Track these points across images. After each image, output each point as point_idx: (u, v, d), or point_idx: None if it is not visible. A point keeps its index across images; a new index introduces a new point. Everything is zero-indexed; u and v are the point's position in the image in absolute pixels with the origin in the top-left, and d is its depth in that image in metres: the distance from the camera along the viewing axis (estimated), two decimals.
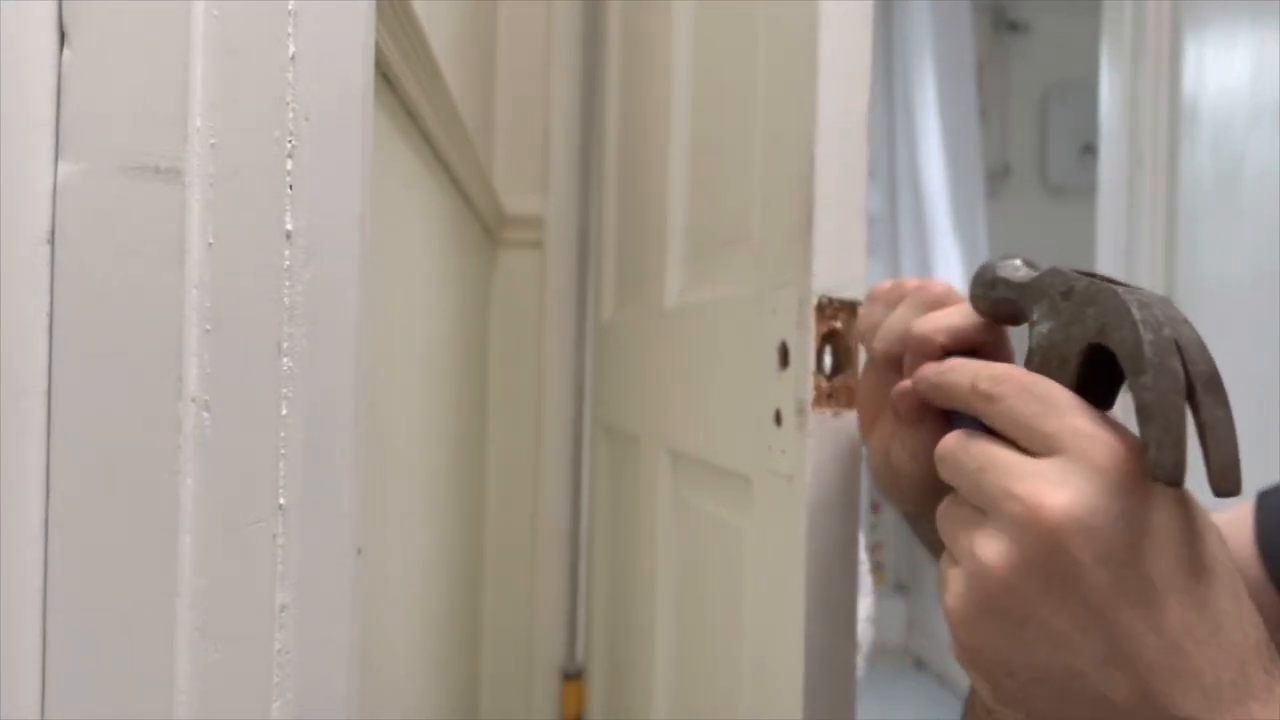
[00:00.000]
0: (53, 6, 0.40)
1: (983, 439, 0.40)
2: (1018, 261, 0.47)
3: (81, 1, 0.40)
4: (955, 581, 0.39)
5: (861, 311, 0.57)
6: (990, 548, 0.38)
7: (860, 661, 1.16)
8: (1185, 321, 0.39)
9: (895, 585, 3.68)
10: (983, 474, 0.39)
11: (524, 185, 1.66)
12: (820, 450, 0.59)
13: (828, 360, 0.60)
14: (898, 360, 0.52)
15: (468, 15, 1.28)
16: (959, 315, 0.50)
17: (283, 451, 0.42)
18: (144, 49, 0.40)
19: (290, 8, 0.42)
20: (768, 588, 0.66)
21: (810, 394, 0.59)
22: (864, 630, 1.19)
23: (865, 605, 1.22)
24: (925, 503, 0.53)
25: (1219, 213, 1.70)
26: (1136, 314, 0.38)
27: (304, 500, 0.42)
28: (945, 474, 0.42)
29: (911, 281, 0.54)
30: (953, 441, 0.42)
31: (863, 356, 0.60)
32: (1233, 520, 0.62)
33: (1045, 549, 0.36)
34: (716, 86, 0.88)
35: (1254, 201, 1.59)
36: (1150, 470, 0.36)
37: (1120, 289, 0.39)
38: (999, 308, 0.47)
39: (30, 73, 0.40)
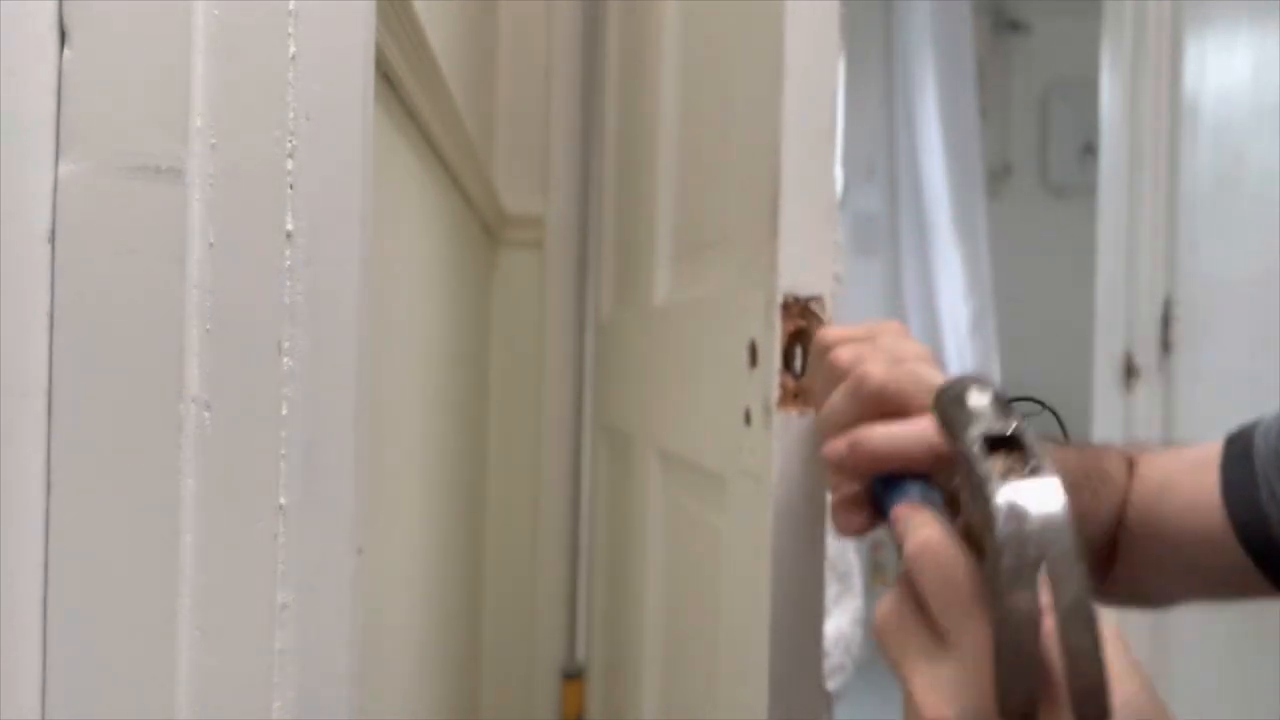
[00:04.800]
0: (53, 6, 0.40)
1: (902, 627, 0.41)
2: (966, 392, 0.45)
3: (81, 1, 0.40)
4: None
5: (810, 362, 0.58)
6: None
7: (849, 663, 1.16)
8: (1062, 528, 0.37)
9: None
10: (899, 665, 0.41)
11: (524, 185, 1.66)
12: (786, 450, 0.59)
13: (798, 360, 0.60)
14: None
15: (468, 15, 1.28)
16: (910, 440, 0.49)
17: (283, 451, 0.42)
18: (144, 49, 0.40)
19: (290, 8, 0.42)
20: (740, 587, 0.66)
21: (775, 394, 0.59)
22: (853, 633, 1.19)
23: (855, 607, 1.21)
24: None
25: (1219, 213, 1.70)
26: (999, 531, 0.37)
27: (304, 500, 0.42)
28: (878, 645, 0.43)
29: (843, 357, 0.53)
30: (880, 620, 0.43)
31: None
32: (1201, 461, 0.62)
33: None
34: (700, 87, 0.89)
35: (1254, 201, 1.59)
36: (998, 708, 0.36)
37: (999, 488, 0.38)
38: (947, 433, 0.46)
39: (30, 73, 0.40)
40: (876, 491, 0.51)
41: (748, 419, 0.63)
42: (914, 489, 0.49)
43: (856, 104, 3.45)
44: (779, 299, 0.59)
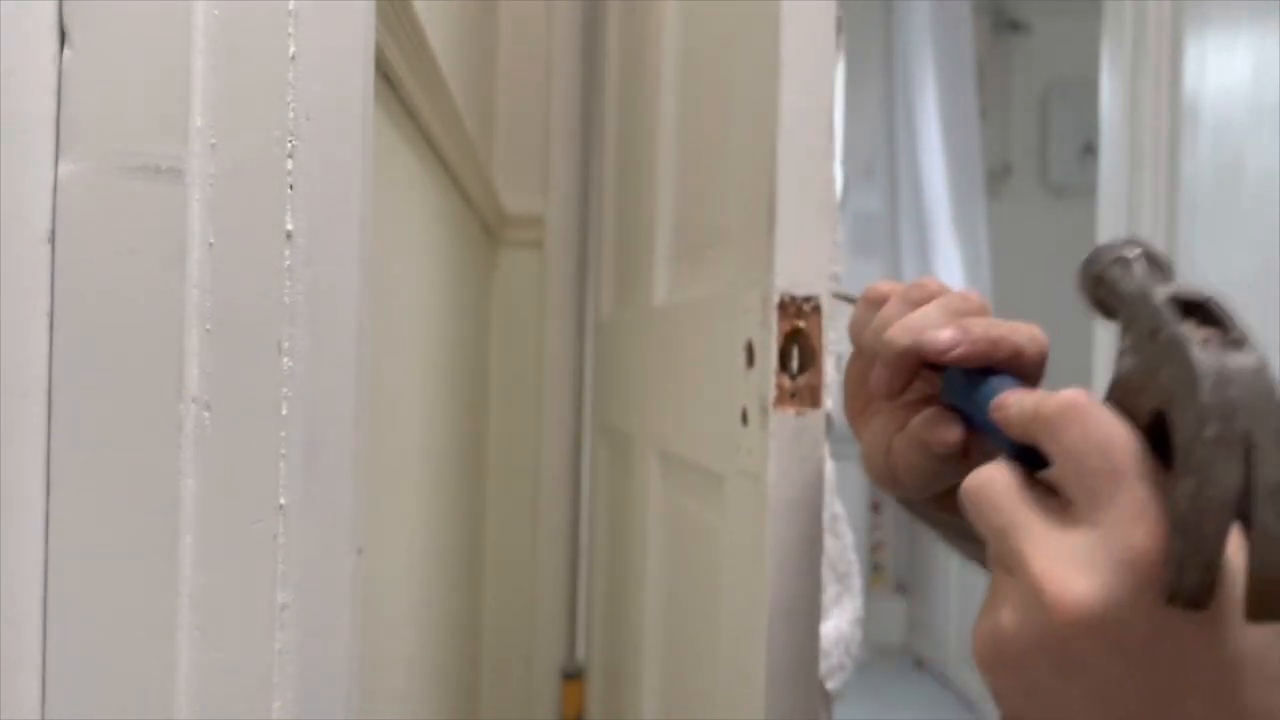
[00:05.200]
0: (53, 6, 0.40)
1: (1013, 488, 0.38)
2: (1137, 257, 0.41)
3: (81, 1, 0.40)
4: (982, 618, 0.37)
5: (856, 310, 0.57)
6: (1007, 615, 0.36)
7: (849, 663, 1.15)
8: (1275, 402, 0.33)
9: (895, 585, 3.68)
10: (1005, 535, 0.37)
11: (524, 185, 1.66)
12: (782, 450, 0.59)
13: (795, 360, 0.60)
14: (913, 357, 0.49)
15: (468, 15, 1.28)
16: (1020, 334, 0.46)
17: (283, 451, 0.42)
18: (144, 49, 0.40)
19: (290, 8, 0.42)
20: (738, 587, 0.66)
21: (772, 393, 0.59)
22: (853, 633, 1.18)
23: (854, 607, 1.21)
24: (930, 493, 0.52)
25: (1219, 212, 1.70)
26: (1206, 398, 0.33)
27: (304, 500, 0.42)
28: (971, 516, 0.39)
29: (929, 284, 0.50)
30: (979, 483, 0.39)
31: (828, 351, 0.60)
32: None
33: (1058, 636, 0.34)
34: (699, 86, 0.89)
35: (1254, 201, 1.59)
36: (1167, 590, 0.32)
37: (1201, 351, 0.34)
38: (1102, 307, 0.42)
39: (30, 72, 0.40)
40: (953, 397, 0.48)
41: (745, 419, 0.63)
42: (1009, 382, 0.45)
43: (856, 104, 3.45)
44: (775, 299, 0.59)
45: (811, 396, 0.60)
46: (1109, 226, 1.96)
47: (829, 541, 1.15)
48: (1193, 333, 0.35)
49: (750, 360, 0.63)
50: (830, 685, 1.10)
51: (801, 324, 0.59)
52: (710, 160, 0.82)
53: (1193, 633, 0.34)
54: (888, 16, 3.59)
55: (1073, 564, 0.34)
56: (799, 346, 0.60)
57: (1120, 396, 0.37)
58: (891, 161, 3.64)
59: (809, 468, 0.60)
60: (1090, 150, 3.16)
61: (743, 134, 0.69)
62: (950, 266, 3.38)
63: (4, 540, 0.39)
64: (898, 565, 3.67)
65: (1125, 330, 0.38)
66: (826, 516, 0.61)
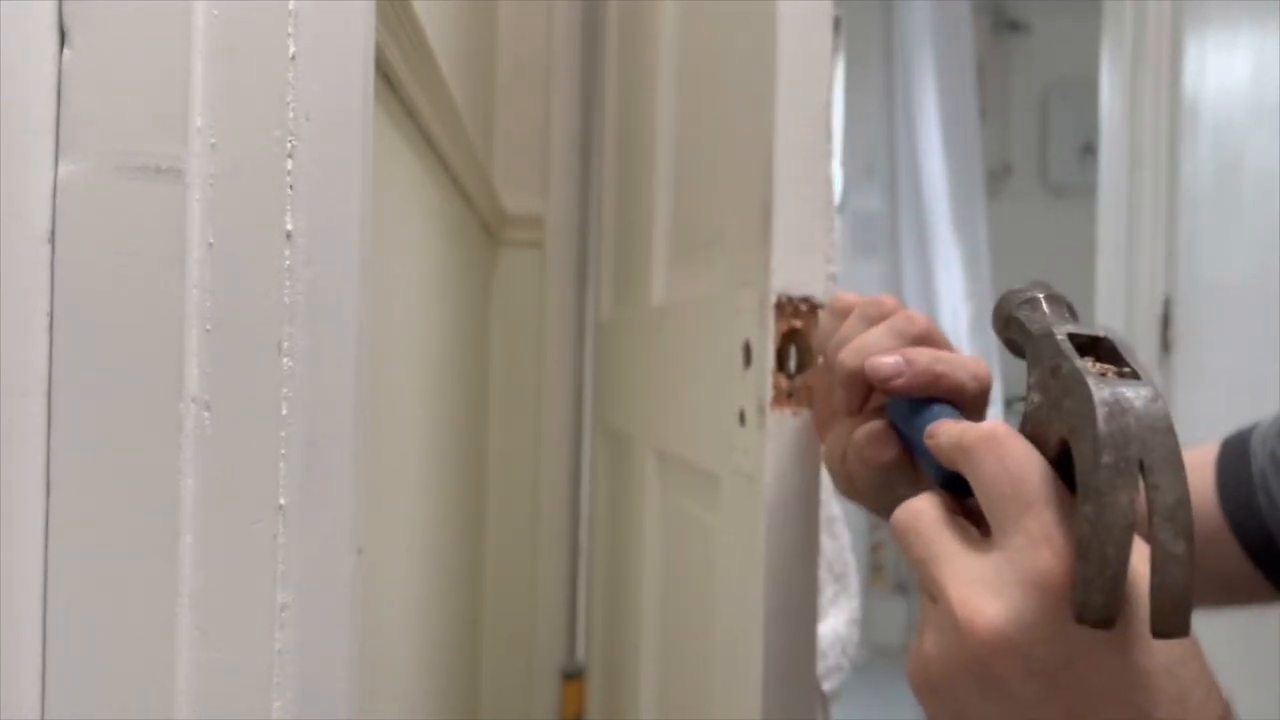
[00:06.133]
0: (53, 6, 0.40)
1: (936, 519, 0.40)
2: (1041, 299, 0.44)
3: (81, 1, 0.40)
4: (913, 647, 0.40)
5: (822, 320, 0.57)
6: (930, 640, 0.38)
7: (846, 664, 1.15)
8: (1166, 430, 0.35)
9: (895, 585, 3.68)
10: (926, 565, 0.39)
11: (524, 185, 1.66)
12: (779, 450, 0.59)
13: (793, 360, 0.60)
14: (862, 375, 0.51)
15: (468, 15, 1.28)
16: (960, 368, 0.48)
17: (283, 451, 0.42)
18: (144, 49, 0.40)
19: (290, 8, 0.42)
20: (734, 587, 0.67)
21: (769, 393, 0.59)
22: (850, 633, 1.18)
23: (851, 608, 1.21)
24: (882, 505, 0.53)
25: (1219, 213, 1.70)
26: (1101, 426, 0.35)
27: (304, 500, 0.42)
28: (900, 546, 0.41)
29: (885, 301, 0.53)
30: (906, 516, 0.41)
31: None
32: (1195, 464, 0.62)
33: (975, 659, 0.36)
34: (697, 86, 0.89)
35: (1254, 202, 1.59)
36: (1074, 610, 0.34)
37: (1097, 384, 0.36)
38: (1012, 346, 0.45)
39: (30, 73, 0.40)
40: (896, 417, 0.50)
41: (742, 419, 0.63)
42: (947, 412, 0.47)
43: (856, 104, 3.46)
44: (772, 299, 0.59)
45: (808, 397, 0.60)
46: (1109, 226, 1.96)
47: (826, 542, 1.15)
48: (1091, 368, 0.38)
49: (747, 360, 0.63)
50: (827, 686, 1.10)
51: (798, 324, 0.59)
52: (708, 160, 0.82)
53: (1105, 651, 0.35)
54: (888, 16, 3.59)
55: (985, 588, 0.36)
56: (796, 347, 0.60)
57: (1032, 429, 0.39)
58: (891, 161, 3.64)
59: (805, 468, 0.60)
60: (1090, 150, 3.16)
61: (740, 133, 0.69)
62: (950, 266, 3.38)
63: (4, 540, 0.39)
64: (898, 565, 3.67)
65: (1032, 367, 0.41)
66: (823, 517, 0.61)
